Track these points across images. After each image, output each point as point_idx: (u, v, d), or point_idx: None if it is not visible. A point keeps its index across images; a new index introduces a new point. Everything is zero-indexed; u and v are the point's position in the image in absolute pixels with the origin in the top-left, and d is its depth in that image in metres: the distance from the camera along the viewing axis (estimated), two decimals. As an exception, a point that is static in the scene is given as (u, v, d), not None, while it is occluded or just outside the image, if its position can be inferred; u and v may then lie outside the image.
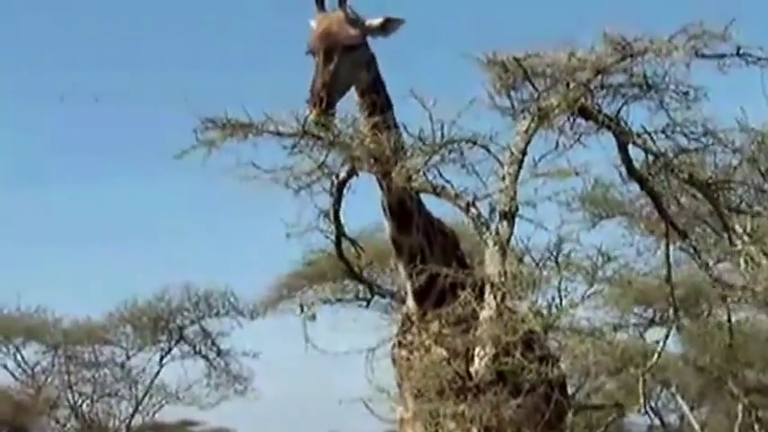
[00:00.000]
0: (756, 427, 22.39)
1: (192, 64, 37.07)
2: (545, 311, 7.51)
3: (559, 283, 7.57)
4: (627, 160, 7.82)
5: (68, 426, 28.43)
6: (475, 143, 7.52)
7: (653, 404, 24.89)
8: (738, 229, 8.20)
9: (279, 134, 7.52)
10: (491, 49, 7.62)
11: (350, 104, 7.82)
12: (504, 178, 7.47)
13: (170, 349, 28.23)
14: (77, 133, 36.76)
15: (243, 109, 7.54)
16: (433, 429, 7.58)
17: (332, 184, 7.74)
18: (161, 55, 38.53)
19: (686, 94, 7.64)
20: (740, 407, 22.73)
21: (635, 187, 8.19)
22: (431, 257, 7.91)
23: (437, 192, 7.59)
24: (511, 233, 7.44)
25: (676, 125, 7.73)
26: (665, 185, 7.94)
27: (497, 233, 7.43)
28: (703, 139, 7.76)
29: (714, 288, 9.18)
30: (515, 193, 7.43)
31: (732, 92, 8.46)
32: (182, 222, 33.58)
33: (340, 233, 8.11)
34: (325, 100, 7.52)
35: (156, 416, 28.71)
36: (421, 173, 7.51)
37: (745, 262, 8.12)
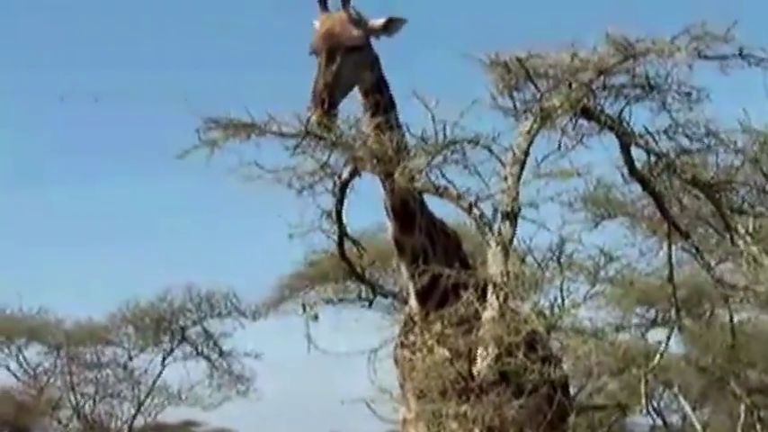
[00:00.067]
0: (758, 427, 22.37)
1: (191, 64, 37.11)
2: (547, 312, 7.51)
3: (561, 283, 7.58)
4: (629, 161, 7.82)
5: (70, 426, 28.44)
6: (477, 144, 7.52)
7: (655, 405, 24.89)
8: (741, 229, 8.20)
9: (281, 134, 7.53)
10: (493, 49, 7.63)
11: (352, 105, 7.83)
12: (506, 179, 7.48)
13: (172, 350, 28.23)
14: (77, 133, 36.76)
15: (245, 109, 7.56)
16: (436, 430, 7.58)
17: (334, 184, 7.74)
18: (161, 55, 38.55)
19: (688, 94, 7.65)
20: (742, 407, 22.72)
21: (637, 188, 8.19)
22: (433, 258, 7.91)
23: (439, 192, 7.59)
24: (513, 234, 7.45)
25: (678, 126, 7.73)
26: (667, 186, 7.94)
27: (500, 234, 7.43)
28: (705, 140, 7.76)
29: (716, 288, 9.18)
30: (518, 193, 7.43)
31: (734, 93, 8.47)
32: (182, 222, 33.58)
33: (342, 233, 8.11)
34: (328, 101, 7.53)
35: (159, 417, 28.73)
36: (423, 173, 7.51)
37: (747, 262, 8.12)
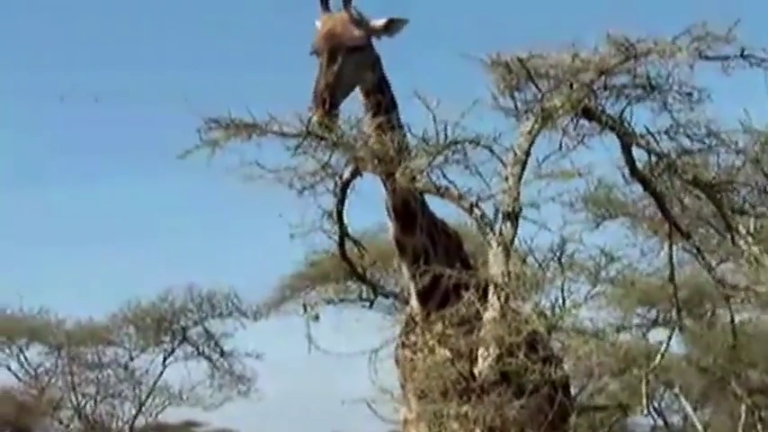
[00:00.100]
0: (759, 427, 22.38)
1: (191, 64, 37.11)
2: (548, 312, 7.52)
3: (563, 283, 7.59)
4: (630, 161, 7.82)
5: (72, 426, 28.44)
6: (478, 144, 7.52)
7: (656, 405, 24.89)
8: (742, 229, 8.20)
9: (283, 134, 7.53)
10: (494, 49, 7.64)
11: (354, 105, 7.84)
12: (507, 179, 7.48)
13: (173, 350, 28.24)
14: (77, 133, 36.75)
15: (245, 109, 7.56)
16: (437, 430, 7.58)
17: (335, 184, 7.74)
18: (161, 55, 38.54)
19: (689, 95, 7.65)
20: (743, 407, 22.72)
21: (638, 188, 8.20)
22: (434, 258, 7.91)
23: (441, 192, 7.59)
24: (514, 234, 7.45)
25: (680, 126, 7.73)
26: (668, 186, 7.94)
27: (501, 234, 7.43)
28: (707, 141, 7.76)
29: (717, 289, 9.18)
30: (519, 193, 7.43)
31: (735, 93, 8.47)
32: (183, 223, 33.60)
33: (343, 233, 8.10)
34: (329, 101, 7.53)
35: (160, 417, 28.75)
36: (424, 173, 7.51)
37: (749, 263, 8.12)
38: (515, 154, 7.50)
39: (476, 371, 7.51)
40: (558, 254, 7.57)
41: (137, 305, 27.86)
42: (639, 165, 7.82)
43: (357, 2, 7.96)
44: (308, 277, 24.08)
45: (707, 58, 7.56)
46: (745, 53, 7.56)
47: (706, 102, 7.66)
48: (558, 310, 7.52)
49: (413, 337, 7.97)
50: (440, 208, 8.03)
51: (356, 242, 8.27)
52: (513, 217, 7.44)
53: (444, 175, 7.56)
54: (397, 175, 7.47)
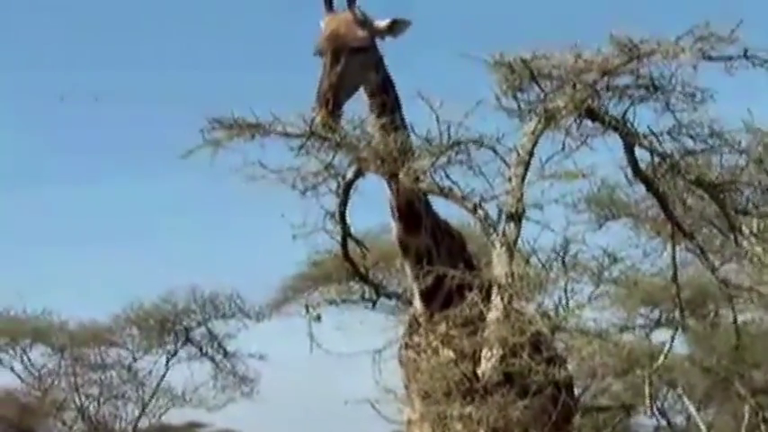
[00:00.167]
0: (763, 428, 22.37)
1: (191, 64, 37.12)
2: (552, 313, 7.51)
3: (566, 284, 7.58)
4: (633, 162, 7.82)
5: (75, 428, 28.43)
6: (482, 144, 7.52)
7: (659, 405, 24.86)
8: (745, 230, 8.20)
9: (286, 135, 7.53)
10: (497, 50, 7.63)
11: (357, 106, 7.84)
12: (510, 180, 7.48)
13: (176, 351, 28.23)
14: (77, 133, 36.74)
15: (247, 109, 7.56)
16: (441, 431, 7.58)
17: (338, 185, 7.74)
18: (161, 55, 38.55)
19: (692, 95, 7.65)
20: (747, 408, 22.71)
21: (641, 188, 8.19)
22: (438, 259, 7.91)
23: (444, 193, 7.59)
24: (518, 235, 7.45)
25: (683, 126, 7.73)
26: (671, 187, 7.94)
27: (504, 235, 7.43)
28: (710, 141, 7.76)
29: (720, 289, 9.18)
30: (522, 194, 7.43)
31: (738, 93, 8.47)
32: (185, 223, 33.54)
33: (346, 234, 8.11)
34: (333, 101, 7.53)
35: (163, 418, 28.71)
36: (428, 174, 7.51)
37: (752, 263, 8.12)
38: (518, 154, 7.50)
39: (479, 371, 7.51)
40: (561, 254, 7.56)
41: (140, 306, 27.85)
42: (642, 165, 7.82)
43: (360, 2, 7.98)
44: (310, 278, 24.08)
45: (710, 58, 7.56)
46: (749, 53, 7.56)
47: (709, 102, 7.66)
48: (561, 310, 7.52)
49: (416, 338, 7.97)
50: (443, 208, 8.05)
51: (359, 242, 8.28)
52: (517, 218, 7.44)
53: (447, 176, 7.57)
54: (401, 175, 7.47)
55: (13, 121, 34.76)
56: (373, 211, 8.58)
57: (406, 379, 7.97)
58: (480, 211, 7.51)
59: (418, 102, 7.50)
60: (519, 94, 7.61)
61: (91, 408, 28.35)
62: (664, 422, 25.27)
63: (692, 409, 24.18)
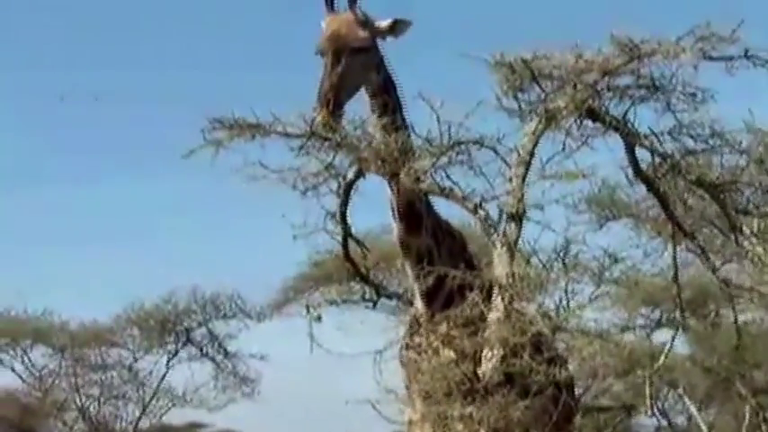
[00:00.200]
0: (764, 428, 22.36)
1: (192, 64, 37.13)
2: (553, 313, 7.52)
3: (567, 284, 7.58)
4: (634, 162, 7.81)
5: (76, 428, 28.44)
6: (482, 145, 7.52)
7: (660, 405, 24.87)
8: (746, 230, 8.20)
9: (287, 135, 7.53)
10: (497, 50, 7.63)
11: (358, 106, 7.84)
12: (511, 180, 7.48)
13: (177, 351, 28.24)
14: (77, 133, 36.74)
15: (250, 109, 7.56)
16: (442, 431, 7.58)
17: (339, 185, 7.74)
18: (161, 55, 38.54)
19: (693, 95, 7.64)
20: (748, 408, 22.70)
21: (642, 189, 8.19)
22: (439, 259, 7.90)
23: (445, 193, 7.59)
24: (518, 235, 7.44)
25: (683, 127, 7.73)
26: (671, 187, 7.93)
27: (505, 235, 7.43)
28: (710, 141, 7.76)
29: (721, 289, 9.17)
30: (523, 194, 7.43)
31: (739, 93, 8.47)
32: (185, 223, 33.53)
33: (347, 234, 8.11)
34: (333, 101, 7.53)
35: (164, 418, 28.73)
36: (428, 174, 7.51)
37: (753, 263, 8.12)
38: (519, 155, 7.50)
39: (480, 372, 7.51)
40: (562, 255, 7.56)
41: (140, 307, 27.86)
42: (643, 165, 7.82)
43: (361, 2, 7.97)
44: (311, 278, 24.09)
45: (711, 58, 7.56)
46: (749, 53, 7.55)
47: (710, 102, 7.66)
48: (562, 310, 7.53)
49: (417, 339, 7.97)
50: (444, 209, 8.04)
51: (359, 243, 8.27)
52: (518, 218, 7.44)
53: (448, 176, 7.57)
54: (402, 175, 7.47)
55: (14, 120, 34.83)
56: (374, 212, 8.59)
57: (407, 379, 7.97)
58: (481, 212, 7.50)
59: (418, 102, 7.51)
60: (519, 95, 7.60)
61: (92, 408, 28.37)
62: (665, 422, 25.28)
63: (693, 410, 24.18)
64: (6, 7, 38.32)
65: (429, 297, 7.93)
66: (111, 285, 31.25)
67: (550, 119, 7.53)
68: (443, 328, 7.72)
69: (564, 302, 7.56)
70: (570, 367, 8.18)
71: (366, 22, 7.89)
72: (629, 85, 7.66)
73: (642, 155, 7.80)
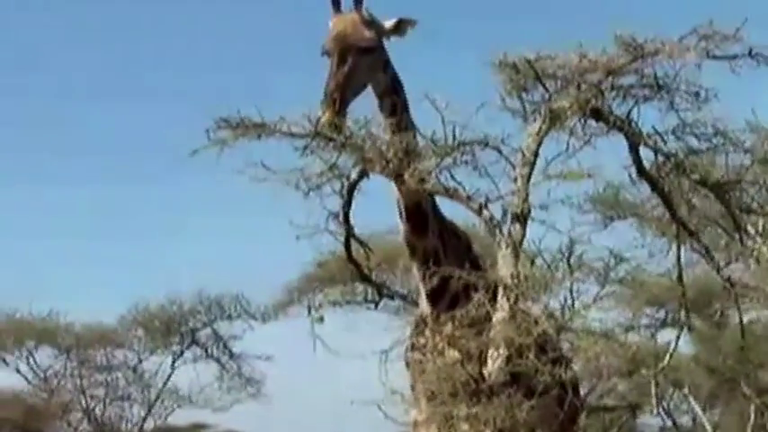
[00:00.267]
0: (769, 427, 22.36)
1: (192, 64, 37.15)
2: (558, 313, 7.51)
3: (571, 284, 7.57)
4: (638, 161, 7.81)
5: (81, 429, 28.46)
6: (487, 145, 7.52)
7: (665, 405, 24.87)
8: (750, 229, 8.20)
9: (291, 135, 7.52)
10: (502, 50, 7.64)
11: (362, 106, 7.83)
12: (516, 180, 7.47)
13: (182, 352, 28.27)
14: (78, 133, 36.77)
15: (255, 109, 7.56)
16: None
17: (342, 185, 7.74)
18: (161, 55, 38.56)
19: (697, 94, 7.64)
20: (752, 408, 22.70)
21: (646, 188, 8.18)
22: (444, 260, 7.90)
23: (449, 194, 7.58)
24: (523, 235, 7.44)
25: (687, 126, 7.72)
26: (675, 186, 7.93)
27: (510, 235, 7.43)
28: (714, 140, 7.75)
29: (725, 289, 9.17)
30: (527, 195, 7.42)
31: (742, 92, 8.47)
32: (187, 223, 33.54)
33: (350, 235, 8.10)
34: (339, 101, 7.52)
35: (169, 419, 28.76)
36: (433, 175, 7.51)
37: (757, 262, 8.11)
38: (524, 155, 7.50)
39: (485, 372, 7.50)
40: (566, 255, 7.55)
41: (145, 307, 27.90)
42: (647, 165, 7.81)
43: (367, 2, 7.97)
44: (315, 279, 24.11)
45: (714, 57, 7.55)
46: (753, 52, 7.54)
47: (713, 101, 7.65)
48: (567, 311, 7.51)
49: (422, 339, 7.97)
50: (448, 209, 8.04)
51: (362, 243, 8.27)
52: (522, 218, 7.43)
53: (453, 177, 7.56)
54: (406, 176, 7.47)
55: (14, 120, 34.86)
56: (377, 212, 8.59)
57: (413, 380, 7.97)
58: (486, 212, 7.50)
59: (421, 102, 7.51)
60: (524, 95, 7.60)
61: (97, 409, 28.40)
62: (669, 422, 25.28)
63: (698, 409, 24.18)
64: (6, 7, 38.37)
65: (434, 297, 7.93)
66: (116, 286, 31.32)
67: (554, 119, 7.53)
68: (449, 328, 7.71)
69: (569, 303, 7.53)
70: (575, 367, 8.18)
71: (372, 23, 7.89)
72: (633, 84, 7.66)
73: (646, 154, 7.80)
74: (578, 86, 7.56)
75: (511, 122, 7.63)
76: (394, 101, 7.85)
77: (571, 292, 7.55)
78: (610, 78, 7.59)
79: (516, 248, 7.40)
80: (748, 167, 7.92)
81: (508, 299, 7.36)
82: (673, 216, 8.15)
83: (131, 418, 28.48)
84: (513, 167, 7.50)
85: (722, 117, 7.70)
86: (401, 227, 7.99)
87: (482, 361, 7.51)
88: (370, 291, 22.29)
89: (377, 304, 22.13)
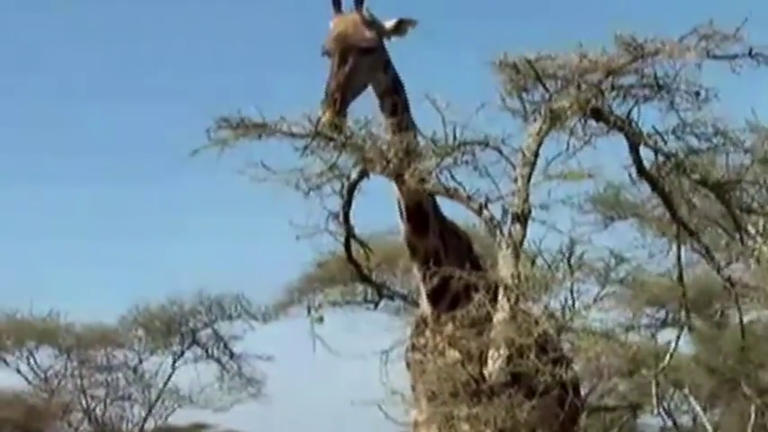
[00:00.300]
0: (770, 428, 22.36)
1: (192, 64, 37.14)
2: (558, 313, 7.50)
3: (572, 284, 7.57)
4: (638, 161, 7.81)
5: (81, 429, 28.46)
6: (487, 145, 7.52)
7: (666, 405, 24.87)
8: (751, 229, 8.19)
9: (292, 135, 7.51)
10: (502, 50, 7.64)
11: (362, 106, 7.83)
12: (516, 180, 7.47)
13: (183, 353, 28.27)
14: (78, 133, 36.76)
15: (256, 109, 7.56)
16: (447, 432, 7.58)
17: (342, 185, 7.74)
18: (161, 55, 38.55)
19: (697, 94, 7.63)
20: (753, 408, 22.70)
21: (646, 188, 8.18)
22: (445, 260, 7.90)
23: (450, 194, 7.58)
24: (524, 235, 7.44)
25: (687, 125, 7.72)
26: (676, 186, 7.93)
27: (510, 235, 7.43)
28: (714, 140, 7.75)
29: (725, 289, 9.16)
30: (528, 195, 7.42)
31: (742, 92, 8.46)
32: (188, 223, 33.55)
33: (350, 235, 8.10)
34: (340, 101, 7.52)
35: (169, 419, 28.76)
36: (433, 175, 7.51)
37: (758, 262, 8.11)
38: (524, 155, 7.50)
39: (486, 372, 7.50)
40: (567, 255, 7.55)
41: (146, 308, 27.91)
42: (647, 164, 7.81)
43: (368, 3, 7.97)
44: (315, 279, 24.12)
45: (714, 57, 7.55)
46: (754, 52, 7.54)
47: (713, 101, 7.65)
48: (567, 311, 7.51)
49: (423, 340, 7.97)
50: (449, 209, 8.04)
51: (362, 244, 8.27)
52: (523, 218, 7.43)
53: (453, 177, 7.56)
54: (407, 176, 7.47)
55: (13, 120, 34.87)
56: (377, 213, 8.58)
57: (413, 380, 7.97)
58: (486, 212, 7.50)
59: (424, 103, 7.51)
60: (524, 95, 7.60)
61: (97, 409, 28.40)
62: (670, 422, 25.27)
63: (699, 410, 24.18)
64: (6, 7, 38.37)
65: (435, 298, 7.93)
66: (117, 286, 31.32)
67: (555, 119, 7.53)
68: (449, 328, 7.71)
69: (569, 303, 7.53)
70: (576, 367, 8.18)
71: (373, 23, 7.89)
72: (633, 84, 7.65)
73: (646, 154, 7.80)
74: (578, 86, 7.56)
75: (511, 122, 7.64)
76: (395, 101, 7.86)
77: (572, 292, 7.54)
78: (610, 78, 7.59)
79: (517, 249, 7.40)
80: (748, 167, 7.91)
81: (509, 299, 7.36)
82: (673, 216, 8.15)
83: (132, 419, 28.49)
84: (514, 167, 7.50)
85: (722, 117, 7.70)
86: (402, 227, 7.99)
87: (483, 361, 7.51)
88: (369, 291, 22.30)
89: (376, 305, 22.15)
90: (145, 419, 28.33)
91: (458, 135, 7.47)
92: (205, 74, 36.34)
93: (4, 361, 28.11)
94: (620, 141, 7.74)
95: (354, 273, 8.80)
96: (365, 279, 9.05)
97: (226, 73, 35.65)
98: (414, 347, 8.01)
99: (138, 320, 28.07)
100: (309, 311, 8.60)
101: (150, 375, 28.40)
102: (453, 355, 7.63)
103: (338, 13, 7.95)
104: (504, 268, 7.42)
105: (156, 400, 28.26)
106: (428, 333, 7.93)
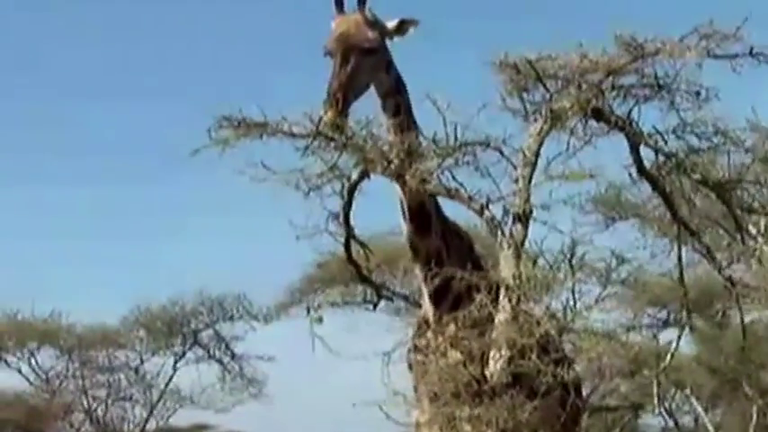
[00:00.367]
0: (771, 428, 22.35)
1: (192, 64, 37.14)
2: (560, 314, 7.50)
3: (573, 285, 7.56)
4: (638, 161, 7.81)
5: (83, 430, 28.47)
6: (488, 146, 7.51)
7: (667, 406, 24.87)
8: (752, 229, 8.19)
9: (292, 135, 7.51)
10: (503, 50, 7.63)
11: (364, 106, 7.83)
12: (517, 181, 7.47)
13: (184, 353, 28.28)
14: (79, 133, 36.77)
15: (258, 108, 7.55)
16: (449, 432, 7.58)
17: (342, 186, 7.73)
18: (161, 55, 38.56)
19: (697, 93, 7.63)
20: (755, 408, 22.69)
21: (647, 188, 8.18)
22: (447, 260, 7.90)
23: (451, 194, 7.58)
24: (525, 236, 7.44)
25: (687, 125, 7.72)
26: (676, 186, 7.92)
27: (511, 236, 7.43)
28: (715, 139, 7.74)
29: (726, 288, 9.15)
30: (529, 195, 7.42)
31: (743, 91, 8.46)
32: (189, 224, 33.55)
33: (350, 236, 8.10)
34: (342, 101, 7.52)
35: (171, 420, 28.77)
36: (434, 175, 7.50)
37: (759, 261, 8.10)
38: (525, 155, 7.50)
39: (488, 373, 7.50)
40: (568, 256, 7.54)
41: (147, 308, 27.91)
42: (647, 164, 7.81)
43: (370, 3, 7.97)
44: (316, 280, 24.13)
45: (715, 56, 7.55)
46: (754, 51, 7.54)
47: (714, 100, 7.65)
48: (569, 311, 7.51)
49: (425, 340, 7.96)
50: (450, 210, 8.04)
51: (362, 244, 8.27)
52: (524, 219, 7.43)
53: (454, 177, 7.56)
54: (408, 177, 7.47)
55: (13, 120, 34.88)
56: (377, 213, 8.58)
57: (415, 381, 7.97)
58: (487, 213, 7.50)
59: (425, 103, 7.51)
60: (524, 95, 7.60)
61: (99, 410, 28.41)
62: (671, 423, 25.27)
63: (700, 410, 24.18)
64: (6, 7, 38.38)
65: (437, 298, 7.93)
66: (118, 287, 31.30)
67: (555, 119, 7.53)
68: (451, 329, 7.71)
69: (570, 303, 7.52)
70: (577, 368, 8.18)
71: (375, 23, 7.89)
72: (634, 84, 7.65)
73: (647, 154, 7.79)
74: (579, 86, 7.56)
75: (512, 123, 7.64)
76: (397, 101, 7.85)
77: (573, 292, 7.54)
78: (610, 78, 7.59)
79: (518, 249, 7.40)
80: (749, 166, 7.91)
81: (510, 300, 7.36)
82: (674, 216, 8.15)
83: (133, 419, 28.49)
84: (515, 168, 7.50)
85: (723, 116, 7.70)
86: (404, 227, 7.98)
87: (484, 362, 7.50)
88: (369, 292, 22.29)
89: (375, 306, 22.12)
90: (146, 420, 28.34)
91: (459, 135, 7.47)
92: (205, 74, 36.38)
93: (6, 362, 28.13)
94: (620, 141, 7.74)
95: (354, 273, 8.80)
96: (365, 280, 9.05)
97: (226, 73, 35.69)
98: (416, 348, 8.00)
99: (139, 321, 28.08)
100: (308, 311, 8.60)
101: (152, 376, 28.43)
102: (455, 355, 7.63)
103: (340, 13, 7.95)
104: (506, 269, 7.42)
105: (158, 401, 28.28)
106: (430, 334, 7.93)
